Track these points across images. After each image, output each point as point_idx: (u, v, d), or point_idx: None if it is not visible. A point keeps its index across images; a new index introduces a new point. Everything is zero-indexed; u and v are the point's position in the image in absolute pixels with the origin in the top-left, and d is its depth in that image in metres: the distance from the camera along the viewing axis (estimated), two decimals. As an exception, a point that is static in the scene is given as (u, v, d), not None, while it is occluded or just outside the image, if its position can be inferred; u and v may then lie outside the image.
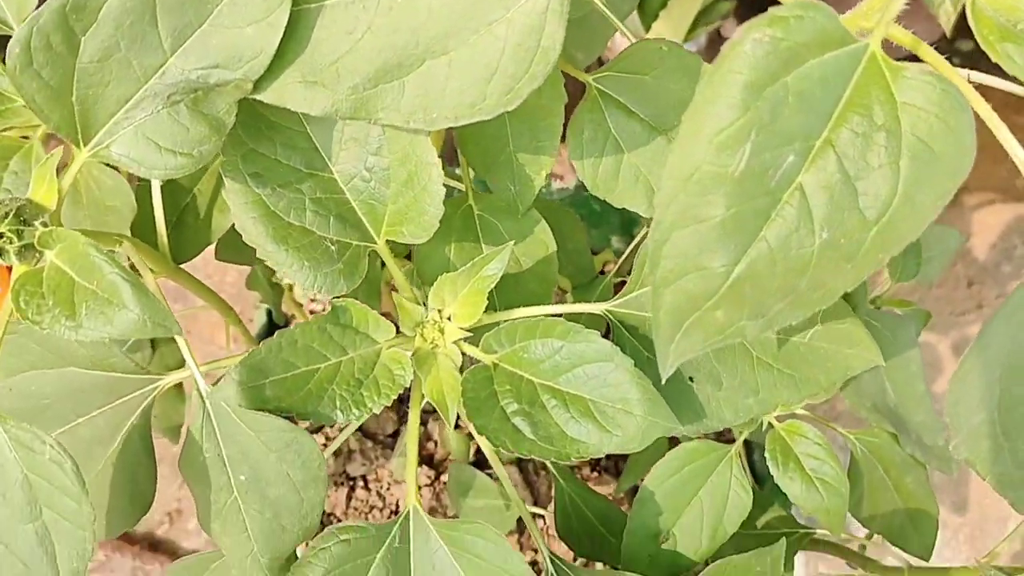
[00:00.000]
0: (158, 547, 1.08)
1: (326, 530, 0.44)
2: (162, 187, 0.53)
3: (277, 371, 0.43)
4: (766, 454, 0.53)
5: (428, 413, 0.89)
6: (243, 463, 0.44)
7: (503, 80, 0.37)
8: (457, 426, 0.84)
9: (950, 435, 0.38)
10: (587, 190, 0.71)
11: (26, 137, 0.60)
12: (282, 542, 0.45)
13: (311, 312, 0.93)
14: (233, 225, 0.58)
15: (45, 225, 0.39)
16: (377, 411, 0.44)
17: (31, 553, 0.39)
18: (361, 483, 0.86)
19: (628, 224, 0.94)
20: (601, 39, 0.60)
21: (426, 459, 0.86)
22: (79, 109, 0.38)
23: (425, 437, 0.88)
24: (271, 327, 0.93)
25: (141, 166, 0.39)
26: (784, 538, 0.53)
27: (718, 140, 0.31)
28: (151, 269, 0.52)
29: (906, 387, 0.58)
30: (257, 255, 0.44)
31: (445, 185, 0.53)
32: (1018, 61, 0.31)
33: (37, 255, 0.39)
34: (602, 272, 0.79)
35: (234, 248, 0.63)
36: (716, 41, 1.28)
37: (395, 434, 0.89)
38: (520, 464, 0.87)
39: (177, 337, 0.44)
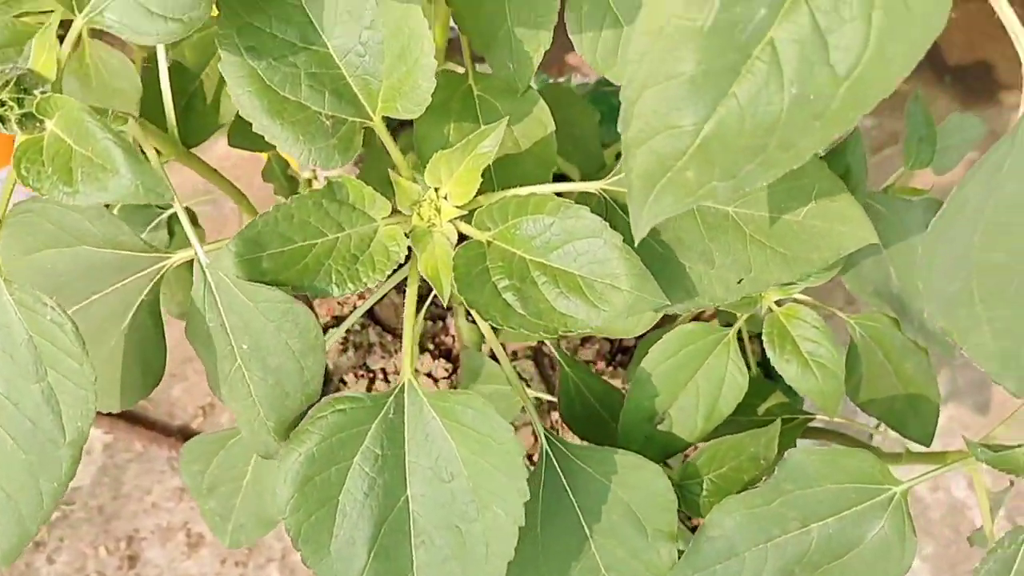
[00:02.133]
0: (193, 439, 1.13)
1: (323, 400, 0.46)
2: (170, 70, 0.53)
3: (274, 244, 0.44)
4: (763, 337, 0.54)
5: (448, 309, 0.91)
6: (244, 332, 0.46)
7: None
8: (471, 319, 0.85)
9: (926, 301, 0.38)
10: (608, 85, 0.71)
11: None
12: (286, 407, 0.47)
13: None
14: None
15: (44, 94, 0.41)
16: (372, 285, 0.46)
17: (38, 411, 0.41)
18: (381, 375, 0.88)
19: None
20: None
21: (444, 352, 0.88)
22: (71, -25, 0.39)
23: (443, 331, 0.90)
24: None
25: (134, 32, 0.39)
26: (780, 420, 0.54)
27: (687, -7, 0.30)
28: (158, 151, 0.53)
29: (910, 272, 0.58)
30: (253, 128, 0.44)
31: (448, 70, 0.53)
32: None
33: (38, 124, 0.41)
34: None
35: (246, 134, 0.64)
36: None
37: (415, 329, 0.91)
38: (536, 359, 0.88)
39: (176, 207, 0.45)
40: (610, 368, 0.87)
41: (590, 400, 0.62)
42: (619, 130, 0.33)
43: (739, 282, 0.47)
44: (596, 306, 0.44)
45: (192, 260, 0.50)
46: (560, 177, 0.84)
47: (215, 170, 0.59)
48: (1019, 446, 0.47)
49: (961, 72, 1.33)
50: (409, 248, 0.47)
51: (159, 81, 0.53)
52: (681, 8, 0.31)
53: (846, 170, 0.51)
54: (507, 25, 0.48)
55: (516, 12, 0.48)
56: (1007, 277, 0.37)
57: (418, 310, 0.88)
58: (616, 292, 0.44)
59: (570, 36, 0.49)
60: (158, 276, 0.50)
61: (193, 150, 0.59)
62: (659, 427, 0.55)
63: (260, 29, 0.44)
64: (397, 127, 0.51)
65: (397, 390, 0.47)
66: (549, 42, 0.49)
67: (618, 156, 0.80)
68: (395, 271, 0.47)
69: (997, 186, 0.35)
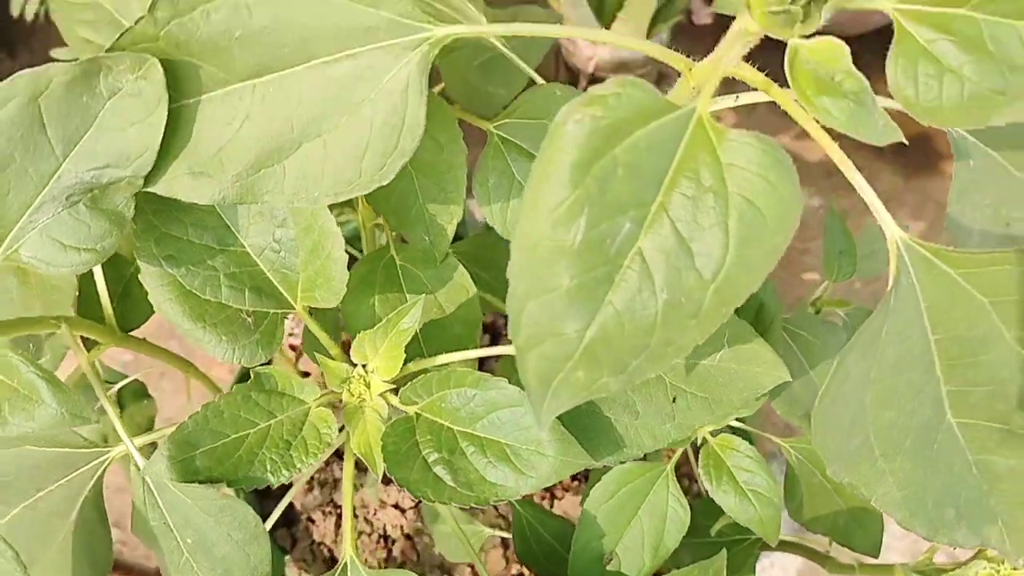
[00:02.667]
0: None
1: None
2: (104, 262, 0.55)
3: (206, 442, 0.45)
4: (699, 470, 0.55)
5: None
6: (187, 528, 0.46)
7: (375, 157, 0.39)
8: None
9: (827, 461, 0.39)
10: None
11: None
12: (234, 594, 0.48)
13: (291, 348, 0.95)
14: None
15: (-29, 329, 0.42)
16: (305, 470, 0.47)
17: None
18: (349, 509, 0.88)
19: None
20: (519, 75, 0.61)
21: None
22: (-15, 219, 0.40)
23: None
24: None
25: (49, 265, 0.41)
26: (725, 548, 0.55)
27: (553, 217, 0.32)
28: (97, 342, 0.55)
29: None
30: (171, 323, 0.46)
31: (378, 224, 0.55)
32: (835, 114, 0.33)
33: (-36, 357, 0.42)
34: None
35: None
36: (680, 33, 1.29)
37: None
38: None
39: (111, 416, 0.46)
40: (575, 483, 0.88)
41: (545, 537, 0.63)
42: (510, 336, 0.35)
43: (665, 428, 0.49)
44: (524, 473, 0.45)
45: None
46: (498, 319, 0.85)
47: (157, 347, 0.60)
48: (952, 569, 0.48)
49: (901, 144, 1.37)
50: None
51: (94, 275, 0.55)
52: (550, 230, 0.32)
53: (760, 307, 0.53)
54: (419, 203, 0.50)
55: (426, 191, 0.50)
56: (902, 432, 0.38)
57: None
58: (542, 458, 0.45)
59: (479, 208, 0.51)
60: (100, 471, 0.51)
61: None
62: (608, 567, 0.55)
63: (177, 237, 0.46)
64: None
65: (339, 570, 0.48)
66: (461, 213, 0.51)
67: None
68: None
69: (878, 352, 0.37)
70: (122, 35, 0.38)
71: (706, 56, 0.38)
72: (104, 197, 0.41)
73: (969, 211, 0.44)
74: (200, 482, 0.45)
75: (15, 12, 0.94)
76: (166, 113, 0.39)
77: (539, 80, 0.56)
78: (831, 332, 0.59)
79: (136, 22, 0.38)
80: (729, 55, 0.36)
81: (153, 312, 0.61)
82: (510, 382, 0.46)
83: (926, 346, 0.37)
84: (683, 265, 0.33)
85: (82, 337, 0.54)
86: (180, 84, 0.39)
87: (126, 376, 0.66)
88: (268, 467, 0.46)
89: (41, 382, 0.39)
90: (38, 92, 0.38)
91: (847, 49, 0.33)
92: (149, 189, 0.41)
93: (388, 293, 0.53)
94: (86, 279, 0.57)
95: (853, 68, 0.33)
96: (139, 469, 0.47)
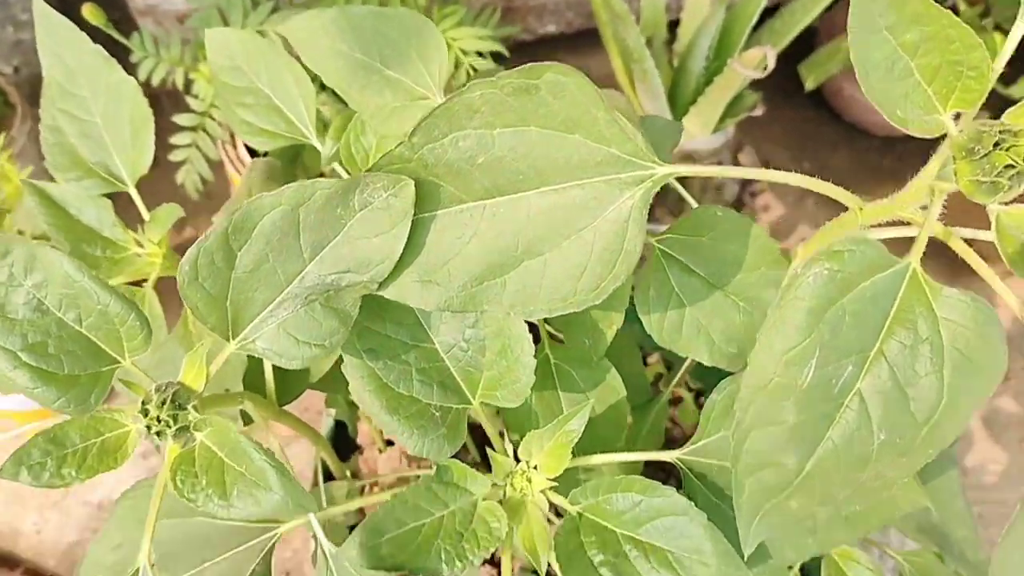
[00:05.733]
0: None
1: None
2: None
3: (391, 528, 0.48)
4: (822, 577, 0.58)
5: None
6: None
7: (591, 279, 0.43)
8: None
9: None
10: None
11: (138, 284, 0.67)
12: None
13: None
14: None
15: (196, 408, 0.45)
16: (477, 563, 0.50)
17: None
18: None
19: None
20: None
21: None
22: (231, 311, 0.44)
23: None
24: (337, 431, 0.98)
25: (283, 357, 0.45)
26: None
27: (787, 357, 0.36)
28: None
29: (948, 505, 0.63)
30: (367, 415, 0.49)
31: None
32: (1043, 280, 0.37)
33: (190, 436, 0.45)
34: (655, 383, 0.84)
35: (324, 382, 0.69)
36: (743, 128, 1.34)
37: None
38: None
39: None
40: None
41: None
42: (729, 464, 0.38)
43: (806, 543, 0.52)
44: (686, 580, 0.48)
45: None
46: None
47: (306, 424, 0.64)
48: None
49: None
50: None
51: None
52: (783, 370, 0.36)
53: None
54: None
55: (594, 299, 0.54)
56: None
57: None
58: (704, 568, 0.48)
59: (640, 316, 0.55)
60: (270, 544, 0.54)
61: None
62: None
63: (377, 332, 0.50)
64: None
65: (500, 656, 0.50)
66: (621, 321, 0.55)
67: (658, 377, 0.86)
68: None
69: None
70: (382, 157, 0.43)
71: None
72: (337, 297, 0.44)
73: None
74: (385, 569, 0.48)
75: (142, 77, 0.98)
76: (409, 226, 0.43)
77: (680, 190, 0.61)
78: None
79: (396, 147, 0.42)
80: (928, 212, 0.40)
81: (304, 389, 0.65)
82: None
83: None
84: (899, 408, 0.37)
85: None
86: (420, 200, 0.43)
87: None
88: (443, 557, 0.49)
89: (272, 470, 0.43)
90: (301, 202, 0.42)
91: (1049, 221, 0.37)
92: (380, 293, 0.44)
93: (544, 391, 0.57)
94: (252, 359, 0.61)
95: (1058, 240, 0.37)
96: (325, 555, 0.50)
